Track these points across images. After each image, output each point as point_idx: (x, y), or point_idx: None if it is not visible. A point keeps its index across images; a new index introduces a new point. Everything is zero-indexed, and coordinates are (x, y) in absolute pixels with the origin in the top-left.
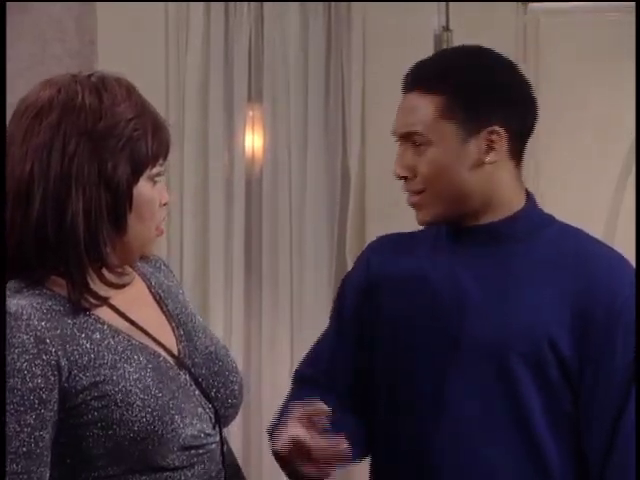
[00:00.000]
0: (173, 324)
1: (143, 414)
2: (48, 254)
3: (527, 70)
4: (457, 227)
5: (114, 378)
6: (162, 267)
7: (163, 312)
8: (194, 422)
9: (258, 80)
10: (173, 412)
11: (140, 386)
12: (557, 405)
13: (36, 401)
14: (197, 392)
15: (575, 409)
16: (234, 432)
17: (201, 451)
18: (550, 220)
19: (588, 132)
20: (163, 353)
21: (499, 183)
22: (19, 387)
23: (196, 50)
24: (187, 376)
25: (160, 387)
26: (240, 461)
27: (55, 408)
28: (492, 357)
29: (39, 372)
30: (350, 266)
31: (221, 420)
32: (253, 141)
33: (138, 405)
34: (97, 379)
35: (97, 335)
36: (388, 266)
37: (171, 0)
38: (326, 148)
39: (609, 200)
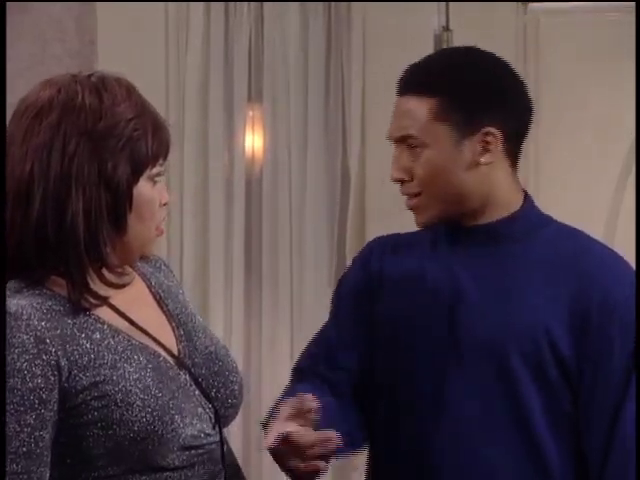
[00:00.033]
0: (173, 324)
1: (143, 414)
2: (48, 254)
3: (527, 70)
4: (455, 227)
5: (114, 378)
6: (162, 267)
7: (163, 312)
8: (194, 422)
9: (258, 80)
10: (173, 412)
11: (140, 386)
12: (557, 405)
13: (36, 401)
14: (197, 392)
15: (575, 409)
16: (234, 432)
17: (201, 451)
18: (548, 220)
19: (588, 132)
20: (163, 353)
21: (495, 183)
22: (19, 387)
23: (196, 50)
24: (187, 376)
25: (160, 387)
26: (240, 461)
27: (55, 408)
28: (492, 357)
29: (39, 372)
30: None
31: (221, 420)
32: (253, 141)
33: (138, 405)
34: (97, 379)
35: (97, 335)
36: (388, 266)
37: (171, 0)
38: (326, 148)
39: (609, 200)
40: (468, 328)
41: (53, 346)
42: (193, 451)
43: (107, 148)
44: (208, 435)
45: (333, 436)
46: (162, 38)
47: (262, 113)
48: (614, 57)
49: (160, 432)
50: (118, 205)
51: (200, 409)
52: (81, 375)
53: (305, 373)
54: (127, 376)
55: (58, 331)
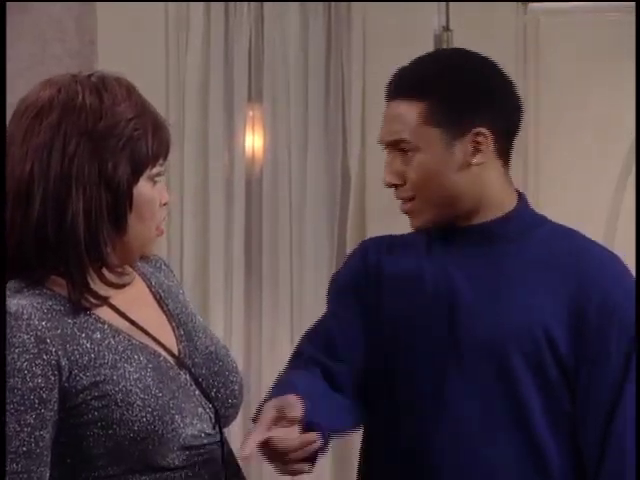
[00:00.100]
0: (173, 324)
1: (143, 414)
2: (48, 254)
3: (527, 70)
4: (450, 228)
5: (114, 378)
6: (162, 267)
7: (163, 312)
8: (194, 422)
9: (258, 80)
10: (173, 412)
11: (140, 386)
12: (557, 405)
13: (36, 401)
14: (197, 392)
15: (574, 408)
16: (234, 432)
17: (201, 451)
18: (542, 220)
19: (588, 132)
20: (163, 353)
21: (488, 183)
22: (19, 387)
23: (196, 50)
24: (187, 376)
25: (160, 387)
26: (240, 461)
27: (55, 408)
28: (492, 357)
29: (39, 372)
30: None
31: (221, 420)
32: (253, 141)
33: (138, 405)
34: (97, 379)
35: (97, 335)
36: (385, 265)
37: (171, 0)
38: (326, 148)
39: (609, 200)
40: (468, 328)
41: (53, 346)
42: (193, 451)
43: (107, 148)
44: (208, 435)
45: (314, 438)
46: (162, 38)
47: (262, 113)
48: (614, 57)
49: (160, 432)
50: (118, 205)
51: (200, 409)
52: (81, 375)
53: (305, 360)
54: (127, 376)
55: (58, 331)
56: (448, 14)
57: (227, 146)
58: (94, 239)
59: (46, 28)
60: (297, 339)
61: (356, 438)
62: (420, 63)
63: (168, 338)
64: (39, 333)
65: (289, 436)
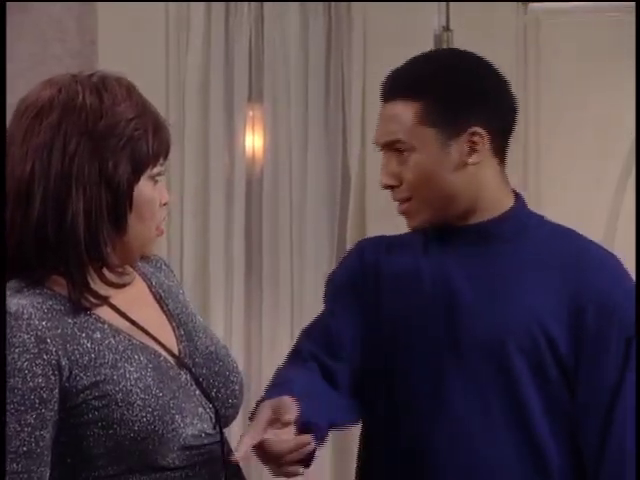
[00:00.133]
0: (173, 324)
1: (144, 414)
2: (48, 254)
3: (527, 70)
4: (446, 228)
5: (115, 378)
6: (163, 267)
7: (163, 312)
8: (194, 422)
9: (258, 80)
10: (173, 412)
11: (141, 386)
12: (557, 405)
13: (37, 400)
14: (197, 392)
15: (574, 408)
16: (235, 432)
17: (201, 451)
18: (540, 220)
19: (588, 132)
20: (163, 353)
21: (484, 183)
22: (20, 386)
23: (196, 50)
24: (187, 376)
25: (161, 387)
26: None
27: (55, 407)
28: (492, 357)
29: (40, 371)
30: None
31: (221, 420)
32: (253, 141)
33: (139, 405)
34: (98, 378)
35: (98, 334)
36: (383, 264)
37: (171, 0)
38: (326, 148)
39: (609, 200)
40: (468, 328)
41: (54, 345)
42: (194, 451)
43: (108, 148)
44: (209, 435)
45: (309, 441)
46: (162, 38)
47: (262, 113)
48: (614, 57)
49: (160, 432)
50: (118, 205)
51: (200, 409)
52: (82, 374)
53: (304, 357)
54: (128, 376)
55: (59, 330)
56: (448, 14)
57: (227, 146)
58: (94, 239)
59: (46, 28)
60: None
61: (356, 430)
62: (415, 63)
63: (168, 338)
64: (39, 333)
65: (284, 438)
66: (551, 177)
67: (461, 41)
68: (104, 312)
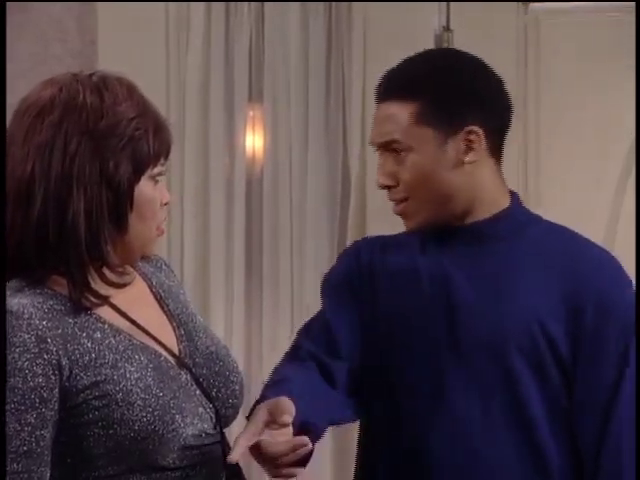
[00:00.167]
0: (174, 324)
1: (144, 414)
2: (49, 254)
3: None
4: (443, 228)
5: (115, 377)
6: (163, 267)
7: (164, 312)
8: (195, 422)
9: (259, 80)
10: (174, 412)
11: (141, 385)
12: (557, 404)
13: (37, 400)
14: (198, 392)
15: (572, 407)
16: (235, 432)
17: (202, 451)
18: (536, 219)
19: (588, 132)
20: (164, 353)
21: (481, 182)
22: (20, 386)
23: (197, 50)
24: (188, 376)
25: (161, 387)
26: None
27: (56, 407)
28: (492, 357)
29: (40, 371)
30: None
31: (222, 420)
32: (254, 141)
33: (139, 404)
34: (98, 378)
35: (98, 334)
36: (379, 264)
37: (172, 0)
38: (327, 148)
39: (609, 200)
40: (469, 329)
41: (54, 345)
42: (194, 451)
43: (108, 147)
44: (209, 435)
45: (305, 442)
46: (163, 38)
47: (263, 113)
48: (614, 57)
49: (161, 432)
50: (119, 204)
51: (201, 409)
52: (82, 374)
53: (302, 355)
54: (128, 375)
55: (59, 330)
56: (449, 14)
57: (227, 146)
58: (95, 238)
59: (47, 28)
60: None
61: (356, 430)
62: (410, 63)
63: (169, 338)
64: (40, 332)
65: (280, 439)
66: (551, 177)
67: (461, 41)
68: (104, 312)
